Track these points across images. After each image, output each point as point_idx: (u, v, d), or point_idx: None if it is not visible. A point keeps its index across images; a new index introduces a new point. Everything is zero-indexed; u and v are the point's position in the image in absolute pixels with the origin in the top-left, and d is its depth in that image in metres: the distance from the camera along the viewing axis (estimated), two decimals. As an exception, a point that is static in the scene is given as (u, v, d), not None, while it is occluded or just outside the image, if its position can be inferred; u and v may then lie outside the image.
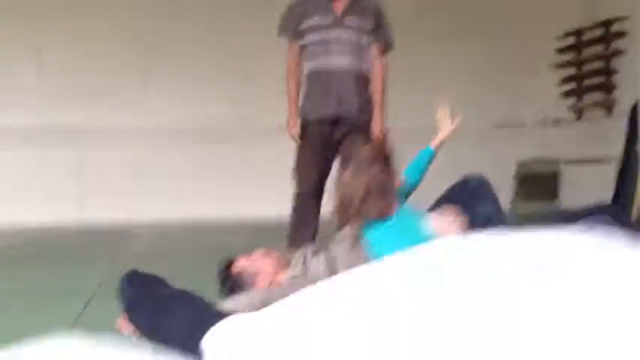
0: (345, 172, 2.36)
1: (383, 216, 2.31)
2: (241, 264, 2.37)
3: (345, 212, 2.34)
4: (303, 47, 3.42)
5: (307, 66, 3.43)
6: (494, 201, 2.57)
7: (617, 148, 6.40)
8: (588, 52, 7.10)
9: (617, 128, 6.47)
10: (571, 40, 7.28)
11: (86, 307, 2.56)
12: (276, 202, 6.79)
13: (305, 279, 2.29)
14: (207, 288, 2.61)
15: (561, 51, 7.39)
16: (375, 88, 3.35)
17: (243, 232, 5.57)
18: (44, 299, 2.77)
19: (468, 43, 7.33)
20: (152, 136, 6.66)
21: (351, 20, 3.33)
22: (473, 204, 2.47)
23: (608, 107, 6.85)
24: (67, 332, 2.12)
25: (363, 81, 3.37)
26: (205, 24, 6.82)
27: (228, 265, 2.38)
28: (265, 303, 1.70)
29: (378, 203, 2.31)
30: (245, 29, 6.81)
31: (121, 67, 6.65)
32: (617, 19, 6.61)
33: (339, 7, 3.32)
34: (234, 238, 5.26)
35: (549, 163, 7.37)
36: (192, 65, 6.80)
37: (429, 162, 2.82)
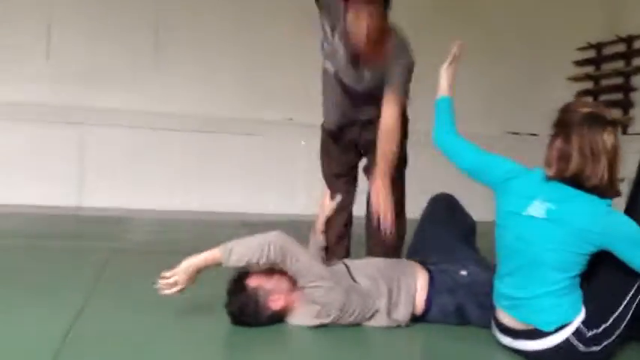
0: (605, 134, 1.94)
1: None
2: (259, 279, 2.24)
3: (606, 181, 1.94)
4: None
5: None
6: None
7: (630, 167, 6.27)
8: (607, 67, 6.97)
9: (631, 147, 6.34)
10: (591, 54, 7.15)
11: (87, 301, 2.45)
12: (283, 197, 6.78)
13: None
14: (203, 287, 2.50)
15: (580, 64, 7.26)
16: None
17: (248, 227, 5.44)
18: (41, 291, 2.62)
19: (487, 51, 7.20)
20: (160, 121, 6.52)
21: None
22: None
23: (624, 125, 6.72)
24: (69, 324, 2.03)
25: None
26: (222, 13, 6.68)
27: (242, 277, 2.24)
28: None
29: None
30: (261, 22, 6.69)
31: (132, 50, 6.50)
32: (640, 36, 6.50)
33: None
34: (240, 234, 5.13)
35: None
36: (206, 53, 6.64)
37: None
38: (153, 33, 6.54)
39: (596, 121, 1.95)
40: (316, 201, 6.60)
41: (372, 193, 2.34)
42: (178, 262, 2.23)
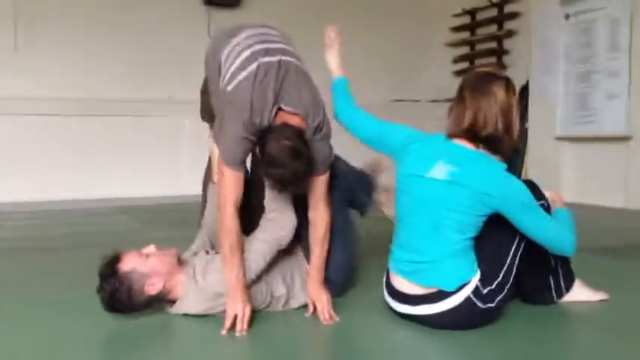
0: (494, 86, 2.02)
1: None
2: (132, 261, 2.06)
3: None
4: None
5: None
6: None
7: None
8: (482, 31, 7.20)
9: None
10: (466, 19, 7.36)
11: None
12: (169, 179, 6.57)
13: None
14: (79, 289, 2.32)
15: (456, 29, 7.46)
16: None
17: (127, 213, 5.23)
18: None
19: (369, 23, 7.29)
20: (33, 106, 6.09)
21: None
22: None
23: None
24: None
25: None
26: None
27: (115, 260, 2.06)
28: None
29: None
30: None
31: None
32: (511, 1, 6.72)
33: None
34: (121, 222, 4.90)
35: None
36: (78, 33, 6.21)
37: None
38: (20, 15, 6.07)
39: (486, 76, 2.06)
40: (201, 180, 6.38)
41: (310, 302, 2.19)
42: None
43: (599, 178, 5.40)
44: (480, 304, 1.98)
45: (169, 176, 6.38)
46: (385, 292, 2.18)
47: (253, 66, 2.13)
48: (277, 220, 2.22)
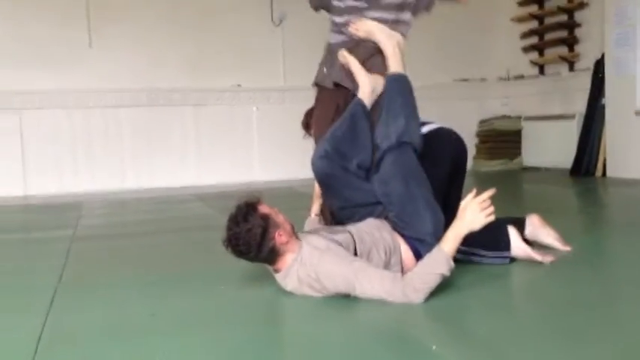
0: None
1: None
2: (268, 209, 2.17)
3: None
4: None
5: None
6: None
7: (579, 103, 6.33)
8: (551, 4, 6.93)
9: (579, 83, 6.39)
10: (533, -8, 7.11)
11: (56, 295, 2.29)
12: (238, 166, 6.64)
13: None
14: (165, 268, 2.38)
15: (523, 4, 7.21)
16: None
17: (203, 200, 5.31)
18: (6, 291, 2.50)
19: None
20: (102, 99, 6.27)
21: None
22: None
23: (571, 62, 6.73)
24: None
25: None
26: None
27: (255, 202, 2.17)
28: None
29: None
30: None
31: (64, 28, 6.09)
32: (581, -30, 6.46)
33: None
34: (197, 208, 4.98)
35: (512, 120, 7.26)
36: (142, 25, 6.33)
37: None
38: (92, 11, 6.21)
39: None
40: (270, 167, 6.42)
41: None
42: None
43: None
44: None
45: (239, 163, 6.44)
46: None
47: None
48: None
